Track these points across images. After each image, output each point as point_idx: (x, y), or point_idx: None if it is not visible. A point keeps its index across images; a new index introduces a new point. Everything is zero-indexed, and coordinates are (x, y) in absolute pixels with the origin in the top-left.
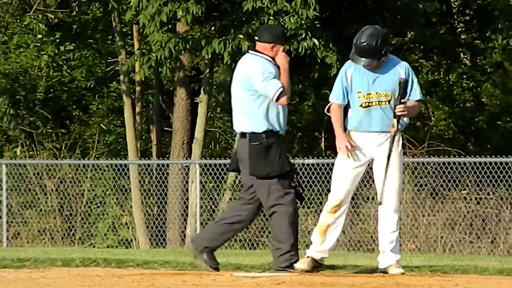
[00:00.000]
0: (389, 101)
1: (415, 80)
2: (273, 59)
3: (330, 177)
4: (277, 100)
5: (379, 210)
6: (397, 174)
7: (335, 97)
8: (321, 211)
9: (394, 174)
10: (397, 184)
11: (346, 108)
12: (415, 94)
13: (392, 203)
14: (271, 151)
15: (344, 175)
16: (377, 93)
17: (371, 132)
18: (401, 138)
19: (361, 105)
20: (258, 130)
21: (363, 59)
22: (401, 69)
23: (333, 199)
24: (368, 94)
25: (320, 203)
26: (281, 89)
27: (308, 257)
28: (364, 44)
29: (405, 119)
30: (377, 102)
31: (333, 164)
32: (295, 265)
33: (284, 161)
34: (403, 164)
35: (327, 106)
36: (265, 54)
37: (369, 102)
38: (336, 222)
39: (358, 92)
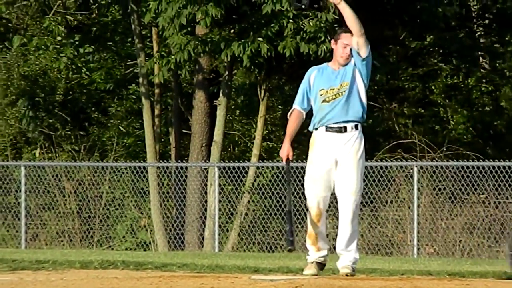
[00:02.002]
0: (348, 89)
1: None
2: None
3: None
4: None
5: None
6: (355, 179)
7: (296, 102)
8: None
9: (352, 179)
10: (354, 185)
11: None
12: None
13: (349, 204)
14: None
15: (315, 184)
16: (340, 85)
17: (334, 132)
18: (362, 139)
19: (324, 101)
20: None
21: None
22: (353, 59)
23: (312, 208)
24: (331, 89)
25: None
26: None
27: (312, 262)
28: None
29: (360, 114)
30: (340, 94)
31: None
32: (304, 272)
33: None
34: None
35: (289, 112)
36: None
37: (334, 95)
38: (322, 229)
39: (321, 90)
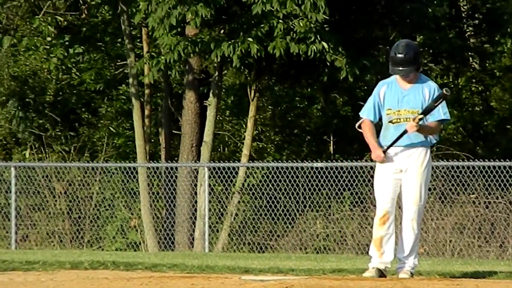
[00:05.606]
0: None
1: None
2: None
3: (339, 181)
4: None
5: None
6: (419, 188)
7: (366, 114)
8: (329, 214)
9: (416, 188)
10: (417, 194)
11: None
12: (437, 114)
13: (411, 212)
14: None
15: (384, 186)
16: (405, 110)
17: (400, 146)
18: (428, 153)
19: (390, 121)
20: None
21: (401, 68)
22: (427, 89)
23: (379, 211)
24: (398, 111)
25: (329, 206)
26: None
27: (373, 268)
28: (402, 55)
29: (435, 136)
30: (405, 119)
31: (341, 168)
32: (364, 274)
33: None
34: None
35: (358, 123)
36: None
37: (398, 119)
38: (388, 233)
39: (388, 109)
